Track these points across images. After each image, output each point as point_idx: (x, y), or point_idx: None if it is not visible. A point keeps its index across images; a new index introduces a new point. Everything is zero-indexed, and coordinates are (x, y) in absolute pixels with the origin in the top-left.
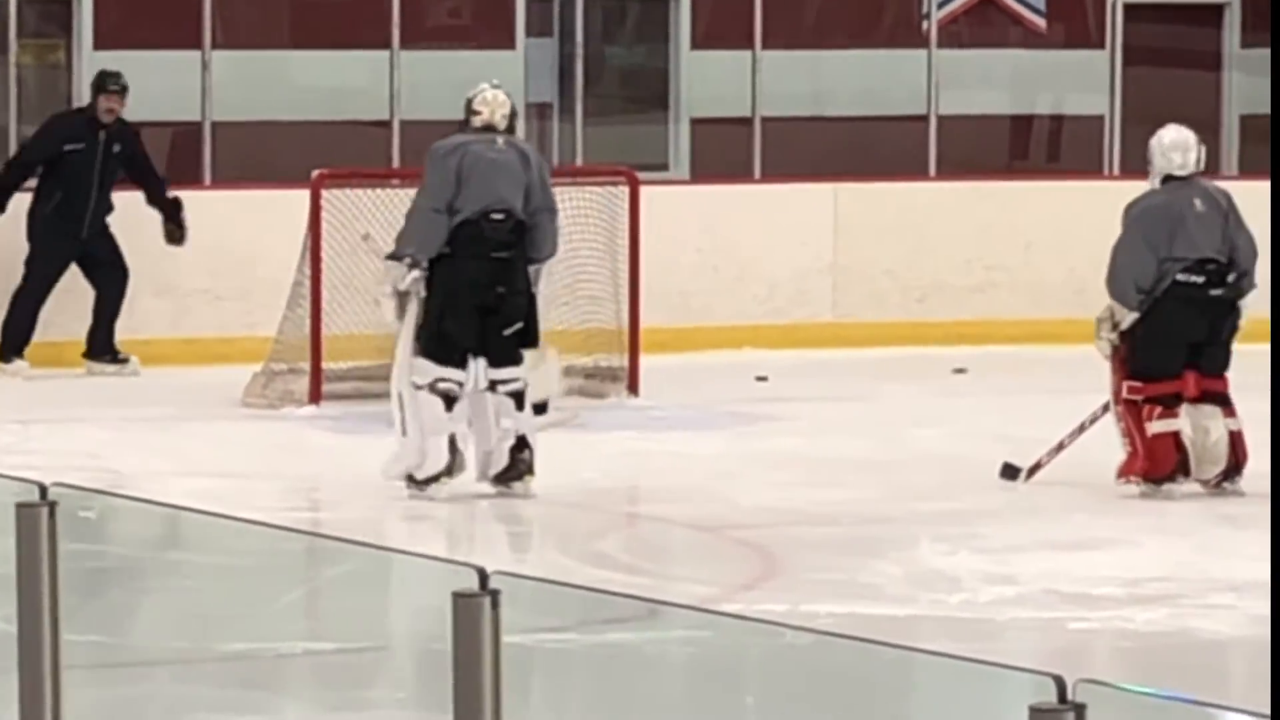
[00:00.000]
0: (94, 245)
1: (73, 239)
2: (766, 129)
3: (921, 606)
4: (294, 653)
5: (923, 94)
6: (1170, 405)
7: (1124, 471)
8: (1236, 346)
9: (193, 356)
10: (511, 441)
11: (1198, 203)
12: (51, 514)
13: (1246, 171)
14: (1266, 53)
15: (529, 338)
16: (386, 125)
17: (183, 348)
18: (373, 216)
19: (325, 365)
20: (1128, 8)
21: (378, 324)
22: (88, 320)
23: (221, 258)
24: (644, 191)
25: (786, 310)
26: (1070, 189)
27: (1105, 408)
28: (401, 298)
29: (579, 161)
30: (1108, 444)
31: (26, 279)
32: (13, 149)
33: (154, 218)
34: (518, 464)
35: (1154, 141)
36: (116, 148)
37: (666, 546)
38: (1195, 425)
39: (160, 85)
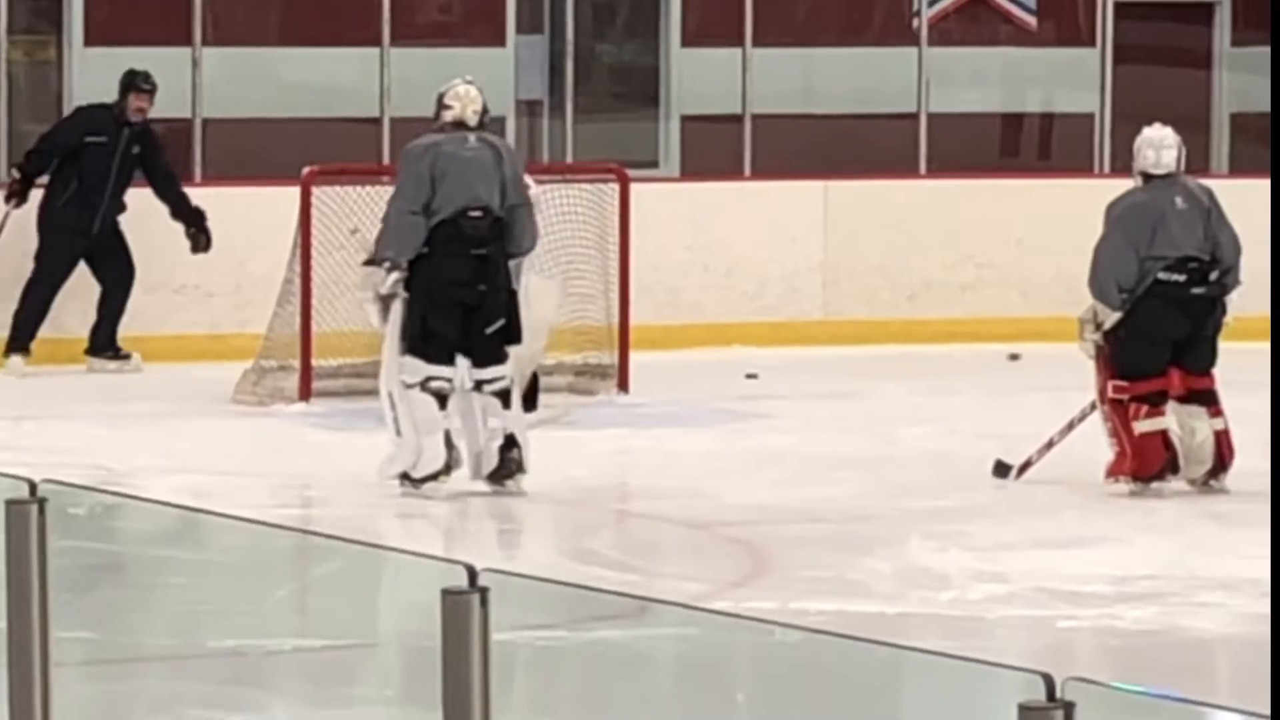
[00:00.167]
0: (103, 242)
1: (83, 235)
2: (757, 126)
3: (911, 604)
4: (283, 649)
5: (913, 92)
6: (1156, 404)
7: (1112, 471)
8: (1223, 344)
9: (183, 353)
10: (500, 441)
11: (1179, 201)
12: (41, 511)
13: (1237, 170)
14: (1257, 51)
15: (512, 335)
16: (377, 122)
17: (173, 344)
18: (363, 213)
19: (315, 362)
20: (1118, 6)
21: (367, 321)
22: (85, 318)
23: (212, 254)
24: (634, 189)
25: (776, 307)
26: (1061, 187)
27: (1094, 405)
28: (385, 301)
29: (569, 159)
30: (1097, 442)
31: (36, 273)
32: (2, 145)
33: (148, 213)
34: (507, 463)
35: (1136, 140)
36: (136, 149)
37: (656, 544)
38: (1182, 425)
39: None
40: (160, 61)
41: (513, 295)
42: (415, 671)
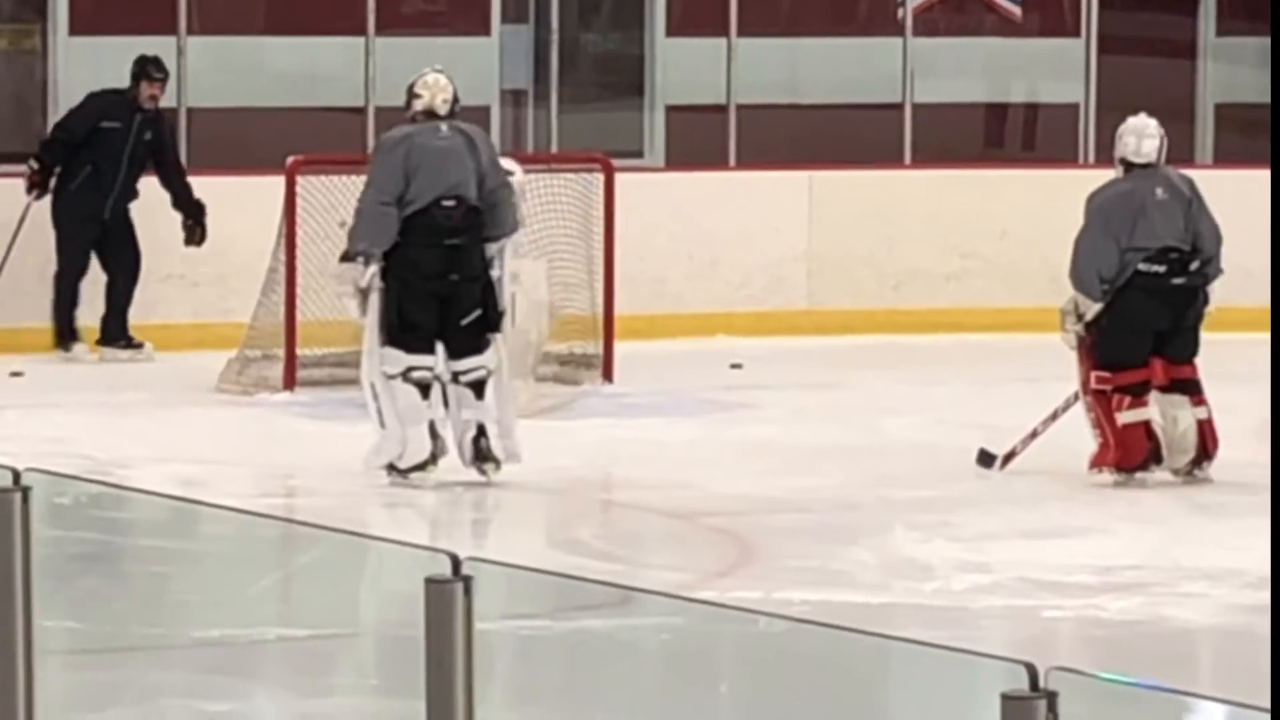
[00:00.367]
0: (114, 229)
1: (95, 221)
2: (741, 116)
3: (895, 594)
4: (267, 639)
5: (898, 82)
6: (1139, 394)
7: (1096, 463)
8: (1205, 335)
9: (168, 342)
10: (473, 432)
11: (1159, 191)
12: (25, 500)
13: (1221, 160)
14: (1241, 41)
15: (490, 323)
16: (361, 112)
17: (157, 334)
18: (348, 203)
19: (300, 351)
20: None
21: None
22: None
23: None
24: (619, 178)
25: (761, 297)
26: (1045, 177)
27: (1077, 396)
28: (363, 294)
29: (554, 148)
30: (1081, 432)
31: (60, 263)
32: None
33: (139, 202)
34: (479, 453)
35: (1119, 128)
36: (148, 135)
37: (640, 534)
38: (1164, 414)
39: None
40: (145, 50)
41: (489, 284)
42: (399, 661)
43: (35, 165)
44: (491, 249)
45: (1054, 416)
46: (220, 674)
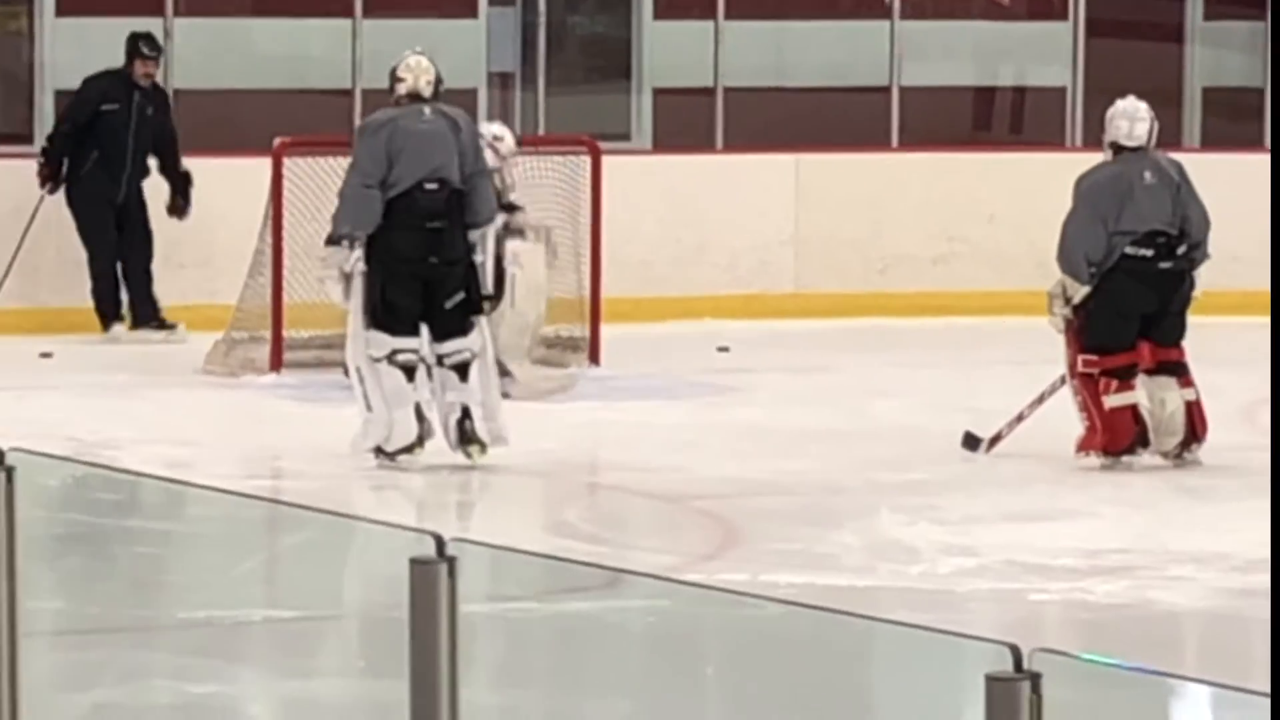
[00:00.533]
0: (128, 210)
1: (110, 204)
2: (729, 99)
3: (881, 577)
4: (253, 620)
5: (885, 65)
6: (1126, 378)
7: (1083, 446)
8: (1192, 319)
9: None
10: (458, 414)
11: (1147, 175)
12: (10, 480)
13: (1208, 144)
14: (1229, 25)
15: (473, 306)
16: (348, 94)
17: None
18: (334, 185)
19: (286, 333)
20: None
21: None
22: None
23: (183, 225)
24: (606, 161)
25: (748, 281)
26: (1033, 161)
27: (1063, 379)
28: (346, 279)
29: (541, 131)
30: (1067, 415)
31: (89, 250)
32: None
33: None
34: (464, 435)
35: (1110, 111)
36: (150, 110)
37: (627, 516)
38: (1151, 396)
39: (123, 53)
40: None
41: (472, 266)
42: (384, 642)
43: (43, 159)
44: (474, 234)
45: (1040, 400)
46: (206, 655)
